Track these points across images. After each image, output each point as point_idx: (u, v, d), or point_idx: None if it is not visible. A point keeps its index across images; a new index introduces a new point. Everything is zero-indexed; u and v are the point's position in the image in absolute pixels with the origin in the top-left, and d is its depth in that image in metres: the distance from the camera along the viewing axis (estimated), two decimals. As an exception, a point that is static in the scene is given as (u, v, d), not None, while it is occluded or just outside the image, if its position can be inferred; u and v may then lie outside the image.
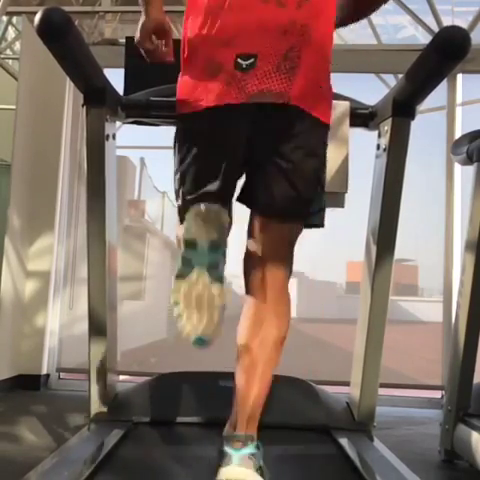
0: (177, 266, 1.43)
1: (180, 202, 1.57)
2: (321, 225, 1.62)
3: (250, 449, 1.40)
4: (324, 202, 1.60)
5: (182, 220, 1.50)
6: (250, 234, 1.58)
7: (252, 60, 1.45)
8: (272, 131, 1.49)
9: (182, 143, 1.56)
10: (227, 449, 1.41)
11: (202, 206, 1.41)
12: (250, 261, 1.57)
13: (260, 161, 1.52)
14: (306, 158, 1.51)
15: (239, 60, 1.45)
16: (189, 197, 1.53)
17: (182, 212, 1.52)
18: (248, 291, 1.57)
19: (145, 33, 1.57)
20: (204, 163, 1.52)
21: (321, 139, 1.56)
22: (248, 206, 1.58)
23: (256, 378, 1.48)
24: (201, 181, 1.51)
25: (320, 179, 1.57)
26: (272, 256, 1.53)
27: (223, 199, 1.51)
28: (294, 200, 1.51)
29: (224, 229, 1.44)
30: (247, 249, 1.58)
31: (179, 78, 1.58)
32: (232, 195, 1.57)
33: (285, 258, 1.56)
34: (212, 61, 1.48)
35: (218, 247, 1.42)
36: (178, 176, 1.56)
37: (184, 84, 1.55)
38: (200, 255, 1.41)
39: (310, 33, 1.47)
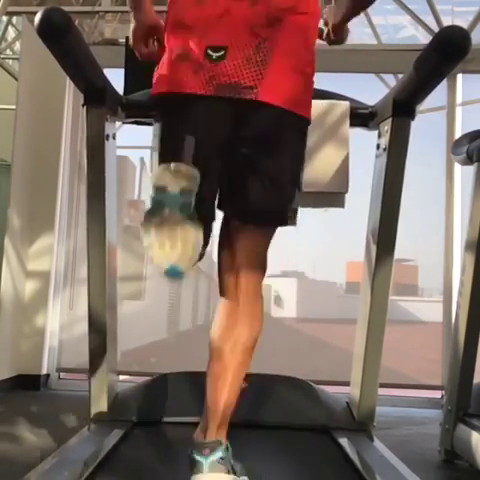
0: (146, 207, 1.35)
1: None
2: (294, 224, 1.57)
3: (219, 453, 1.40)
4: (297, 202, 1.55)
5: None
6: (224, 238, 1.55)
7: (222, 52, 1.42)
8: (242, 129, 1.44)
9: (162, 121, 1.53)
10: (196, 456, 1.41)
11: (172, 165, 1.33)
12: (224, 264, 1.54)
13: (233, 161, 1.47)
14: (281, 158, 1.46)
15: (209, 51, 1.43)
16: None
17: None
18: (222, 293, 1.55)
19: (138, 38, 1.59)
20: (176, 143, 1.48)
21: (298, 135, 1.50)
22: (222, 210, 1.54)
23: (227, 385, 1.47)
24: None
25: (298, 180, 1.52)
26: (247, 261, 1.51)
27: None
28: (271, 205, 1.48)
29: (195, 181, 1.34)
30: (220, 253, 1.55)
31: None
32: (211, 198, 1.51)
33: (260, 262, 1.54)
34: (182, 48, 1.46)
35: (190, 192, 1.32)
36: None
37: (161, 64, 1.53)
38: (171, 197, 1.32)
39: (284, 23, 1.44)
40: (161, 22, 1.58)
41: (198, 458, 1.40)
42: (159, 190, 1.33)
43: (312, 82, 1.52)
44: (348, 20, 1.67)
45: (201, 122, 1.45)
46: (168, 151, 1.47)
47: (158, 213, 1.31)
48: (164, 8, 1.57)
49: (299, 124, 1.49)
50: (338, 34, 1.67)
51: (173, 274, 1.30)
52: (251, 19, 1.43)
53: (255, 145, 1.45)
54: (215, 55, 1.42)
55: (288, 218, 1.53)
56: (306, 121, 1.51)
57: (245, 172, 1.46)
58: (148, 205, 1.34)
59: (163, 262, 1.29)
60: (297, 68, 1.46)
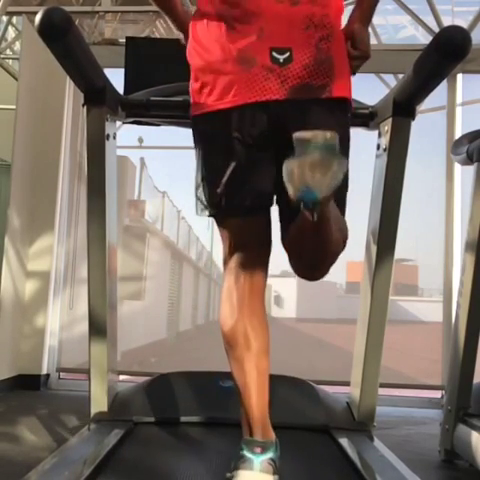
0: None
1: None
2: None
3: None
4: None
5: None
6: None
7: (288, 54, 1.41)
8: (313, 122, 1.41)
9: (207, 144, 1.50)
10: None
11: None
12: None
13: None
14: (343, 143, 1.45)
15: (274, 54, 1.41)
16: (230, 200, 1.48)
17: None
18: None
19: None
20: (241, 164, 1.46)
21: (347, 118, 1.55)
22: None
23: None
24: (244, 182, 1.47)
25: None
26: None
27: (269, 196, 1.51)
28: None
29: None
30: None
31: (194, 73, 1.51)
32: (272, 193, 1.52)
33: None
34: (243, 54, 1.41)
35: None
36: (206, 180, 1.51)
37: (205, 79, 1.47)
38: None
39: (332, 22, 1.46)
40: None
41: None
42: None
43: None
44: (367, 19, 1.59)
45: (278, 124, 1.43)
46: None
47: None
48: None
49: (349, 106, 1.55)
50: (358, 43, 1.55)
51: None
52: (302, 21, 1.43)
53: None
54: (282, 58, 1.41)
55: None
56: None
57: None
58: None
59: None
60: (347, 60, 1.51)
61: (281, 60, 1.41)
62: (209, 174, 1.50)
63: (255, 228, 1.53)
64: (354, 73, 1.56)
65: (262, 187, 1.49)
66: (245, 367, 1.48)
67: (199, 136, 1.53)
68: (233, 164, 1.45)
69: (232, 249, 1.54)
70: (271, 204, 1.54)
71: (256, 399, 1.47)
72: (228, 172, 1.45)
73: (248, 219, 1.51)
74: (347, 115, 1.54)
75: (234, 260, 1.54)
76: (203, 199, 1.52)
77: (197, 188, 1.53)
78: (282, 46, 1.41)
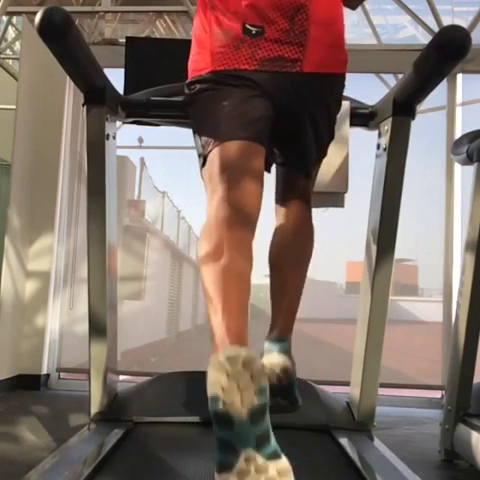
0: (216, 455, 1.06)
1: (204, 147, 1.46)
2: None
3: (286, 345, 1.67)
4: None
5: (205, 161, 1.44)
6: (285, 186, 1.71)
7: (260, 29, 1.45)
8: (289, 98, 1.48)
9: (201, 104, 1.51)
10: (268, 345, 1.67)
11: (231, 351, 1.05)
12: (283, 201, 1.71)
13: (283, 126, 1.52)
14: (324, 117, 1.58)
15: (247, 26, 1.45)
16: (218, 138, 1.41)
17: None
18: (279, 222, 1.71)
19: None
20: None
21: (338, 91, 1.60)
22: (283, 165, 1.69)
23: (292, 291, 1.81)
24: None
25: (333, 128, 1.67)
26: (305, 198, 1.71)
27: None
28: (319, 153, 1.67)
29: (266, 380, 1.09)
30: (282, 195, 1.72)
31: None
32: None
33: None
34: (220, 25, 1.47)
35: (264, 412, 1.02)
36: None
37: (199, 45, 1.53)
38: (242, 432, 1.03)
39: None
40: None
41: (269, 345, 1.66)
42: (222, 423, 1.05)
43: (344, 31, 1.57)
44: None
45: (248, 97, 1.44)
46: (219, 132, 1.41)
47: (232, 464, 1.02)
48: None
49: (339, 81, 1.58)
50: None
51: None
52: None
53: (304, 111, 1.52)
54: (254, 30, 1.45)
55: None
56: (344, 75, 1.58)
57: (297, 134, 1.57)
58: (216, 452, 1.05)
59: None
60: (333, 28, 1.52)
61: (253, 32, 1.45)
62: (211, 111, 1.46)
63: (251, 160, 1.41)
64: (354, 8, 1.62)
65: (263, 116, 1.46)
66: (219, 272, 1.24)
67: (197, 93, 1.52)
68: (236, 98, 1.44)
69: (223, 180, 1.35)
70: (266, 136, 1.47)
71: (230, 307, 1.21)
72: (230, 104, 1.44)
73: (248, 144, 1.41)
74: (330, 89, 1.55)
75: (222, 190, 1.34)
76: (210, 133, 1.45)
77: (205, 129, 1.48)
78: (255, 23, 1.45)
